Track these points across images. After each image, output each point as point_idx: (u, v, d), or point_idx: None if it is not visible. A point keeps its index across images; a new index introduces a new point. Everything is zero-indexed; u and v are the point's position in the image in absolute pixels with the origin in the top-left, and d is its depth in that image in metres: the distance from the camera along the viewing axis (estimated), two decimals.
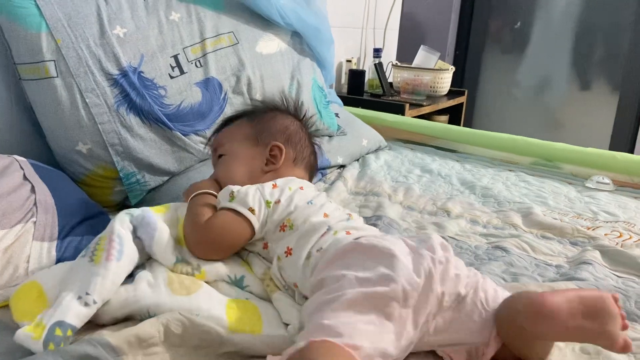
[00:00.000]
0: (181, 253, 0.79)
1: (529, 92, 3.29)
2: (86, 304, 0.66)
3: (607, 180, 1.43)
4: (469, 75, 3.43)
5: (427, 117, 2.51)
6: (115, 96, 1.06)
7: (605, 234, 1.12)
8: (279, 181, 0.87)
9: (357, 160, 1.61)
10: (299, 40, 1.50)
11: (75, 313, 0.65)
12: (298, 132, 0.97)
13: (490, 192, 1.36)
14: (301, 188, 0.86)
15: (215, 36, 1.25)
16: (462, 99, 2.68)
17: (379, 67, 2.40)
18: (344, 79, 2.43)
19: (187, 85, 1.16)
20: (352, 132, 1.64)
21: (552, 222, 1.15)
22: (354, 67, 2.39)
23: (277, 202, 0.82)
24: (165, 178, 1.13)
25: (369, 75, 2.50)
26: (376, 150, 1.71)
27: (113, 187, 1.09)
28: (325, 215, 0.82)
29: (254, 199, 0.81)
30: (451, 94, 2.65)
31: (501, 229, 1.14)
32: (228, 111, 1.22)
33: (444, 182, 1.45)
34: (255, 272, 0.81)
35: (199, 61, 1.20)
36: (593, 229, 1.15)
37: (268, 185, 0.85)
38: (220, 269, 0.78)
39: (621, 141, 3.01)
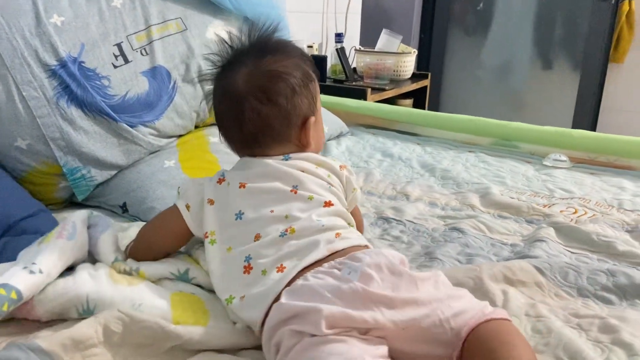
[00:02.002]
0: (122, 256, 0.76)
1: (493, 73, 3.32)
2: (31, 272, 0.64)
3: (563, 158, 1.44)
4: (434, 58, 3.43)
5: (391, 101, 2.50)
6: (54, 88, 1.01)
7: (561, 211, 1.12)
8: (228, 172, 0.77)
9: None
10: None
11: (20, 278, 0.62)
12: (215, 97, 0.78)
13: (450, 174, 1.36)
14: (241, 186, 0.74)
15: (162, 22, 1.21)
16: (426, 82, 2.68)
17: (340, 52, 2.37)
18: None
19: (133, 74, 1.12)
20: None
21: (509, 201, 1.15)
22: (316, 52, 2.36)
23: (210, 201, 0.74)
24: (113, 172, 1.09)
25: (332, 60, 2.48)
26: (338, 137, 1.69)
27: (57, 184, 1.04)
28: (257, 237, 0.69)
29: (194, 193, 0.75)
30: (415, 78, 2.64)
31: (459, 210, 1.14)
32: (178, 101, 1.18)
33: (405, 166, 1.44)
34: (202, 266, 0.79)
35: (145, 49, 1.16)
36: (549, 207, 1.15)
37: (215, 177, 0.77)
38: (160, 268, 0.75)
39: (583, 118, 3.07)
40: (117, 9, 1.14)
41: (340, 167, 0.80)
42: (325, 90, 2.15)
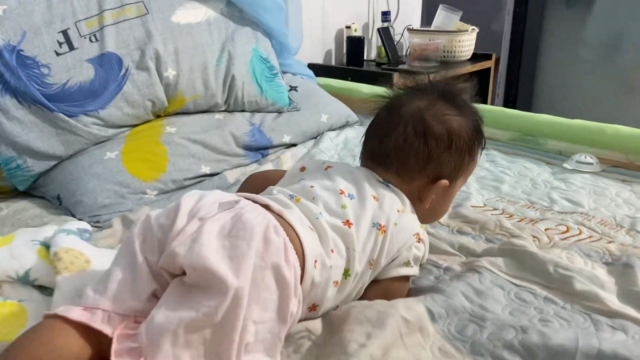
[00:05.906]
0: None
1: (599, 51, 2.83)
2: None
3: (590, 160, 1.16)
4: (529, 34, 3.02)
5: None
6: None
7: (546, 229, 0.90)
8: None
9: (316, 138, 1.46)
10: (237, 7, 1.37)
11: None
12: (383, 105, 0.82)
13: None
14: (326, 168, 0.77)
15: (119, 7, 1.16)
16: (489, 64, 2.38)
17: (383, 33, 2.18)
18: (345, 48, 2.23)
19: (77, 62, 1.09)
20: (310, 107, 1.48)
21: (476, 216, 0.94)
22: (355, 33, 2.19)
23: (302, 168, 0.81)
24: (52, 163, 1.07)
25: (378, 42, 2.29)
26: (342, 127, 1.54)
27: None
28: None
29: None
30: (475, 59, 2.35)
31: None
32: (128, 89, 1.14)
33: None
34: (51, 254, 0.73)
35: (95, 35, 1.12)
36: (535, 222, 0.93)
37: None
38: (0, 268, 0.71)
39: None
40: None
41: (416, 234, 0.73)
42: (357, 75, 1.99)
